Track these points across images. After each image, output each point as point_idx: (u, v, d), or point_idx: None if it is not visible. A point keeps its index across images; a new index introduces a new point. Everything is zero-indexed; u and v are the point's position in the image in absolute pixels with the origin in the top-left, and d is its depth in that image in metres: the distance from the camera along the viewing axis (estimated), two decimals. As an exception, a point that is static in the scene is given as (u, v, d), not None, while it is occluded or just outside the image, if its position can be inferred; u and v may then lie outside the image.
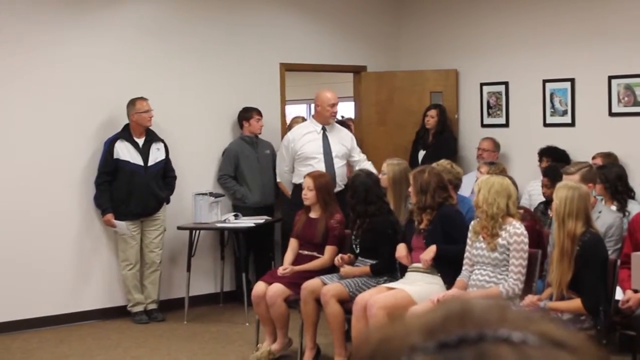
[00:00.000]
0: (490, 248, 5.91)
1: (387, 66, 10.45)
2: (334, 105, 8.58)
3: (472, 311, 0.82)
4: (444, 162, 7.19)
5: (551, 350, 0.78)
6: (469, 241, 6.14)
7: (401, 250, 6.50)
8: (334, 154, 8.50)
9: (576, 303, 5.47)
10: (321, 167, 8.28)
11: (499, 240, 5.88)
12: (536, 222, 6.67)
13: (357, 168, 8.26)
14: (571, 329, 0.82)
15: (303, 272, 6.97)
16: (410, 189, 6.49)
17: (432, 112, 9.61)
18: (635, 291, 5.49)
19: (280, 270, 7.07)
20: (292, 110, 13.59)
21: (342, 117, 13.25)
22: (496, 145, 9.33)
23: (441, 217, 6.35)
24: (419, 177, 6.41)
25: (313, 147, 8.49)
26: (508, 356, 0.76)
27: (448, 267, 6.26)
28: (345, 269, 6.77)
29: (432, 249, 6.29)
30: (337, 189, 8.26)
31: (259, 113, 9.21)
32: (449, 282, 6.21)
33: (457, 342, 0.78)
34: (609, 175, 7.25)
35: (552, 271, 5.56)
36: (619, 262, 5.88)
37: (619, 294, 5.88)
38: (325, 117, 8.59)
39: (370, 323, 6.01)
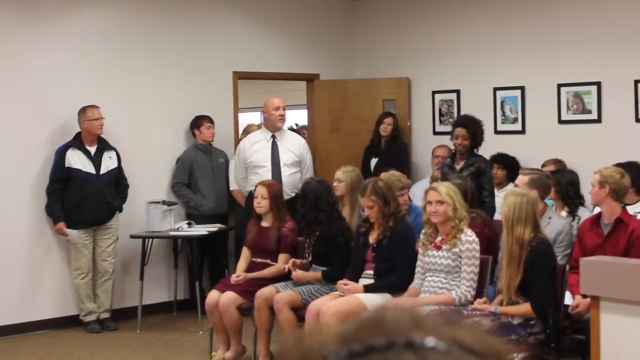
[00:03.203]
0: (448, 250, 5.96)
1: (340, 74, 10.49)
2: (278, 108, 8.52)
3: (383, 319, 0.83)
4: (396, 173, 7.25)
5: (459, 356, 0.79)
6: (420, 250, 6.19)
7: (344, 286, 6.50)
8: (282, 162, 8.47)
9: (526, 307, 5.53)
10: (268, 175, 8.26)
11: (456, 242, 5.96)
12: (486, 225, 6.73)
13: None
14: (489, 336, 0.83)
15: (256, 280, 6.98)
16: (366, 202, 6.42)
17: (389, 120, 9.66)
18: (585, 296, 5.56)
19: (234, 278, 7.07)
20: (247, 118, 13.58)
21: (297, 124, 13.27)
22: (450, 153, 9.41)
23: (395, 236, 6.36)
24: (378, 188, 6.37)
25: (261, 155, 8.47)
26: None
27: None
28: (298, 274, 6.78)
29: (359, 288, 6.33)
30: (286, 197, 8.27)
31: (210, 120, 9.21)
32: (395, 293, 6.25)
33: (365, 350, 0.80)
34: (561, 180, 7.34)
35: (502, 277, 5.63)
36: (567, 267, 5.96)
37: (568, 299, 5.95)
38: (272, 122, 8.56)
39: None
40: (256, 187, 7.35)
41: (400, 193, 6.82)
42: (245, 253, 7.32)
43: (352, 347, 0.80)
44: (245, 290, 6.93)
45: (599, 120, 8.57)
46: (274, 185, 7.39)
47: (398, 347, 0.79)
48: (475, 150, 7.85)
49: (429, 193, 6.10)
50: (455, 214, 5.96)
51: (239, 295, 6.94)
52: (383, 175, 7.13)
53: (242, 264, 7.28)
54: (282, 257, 7.09)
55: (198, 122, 9.21)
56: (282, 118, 8.58)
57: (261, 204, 7.16)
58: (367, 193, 6.36)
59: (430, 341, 0.80)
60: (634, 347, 4.85)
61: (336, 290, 6.51)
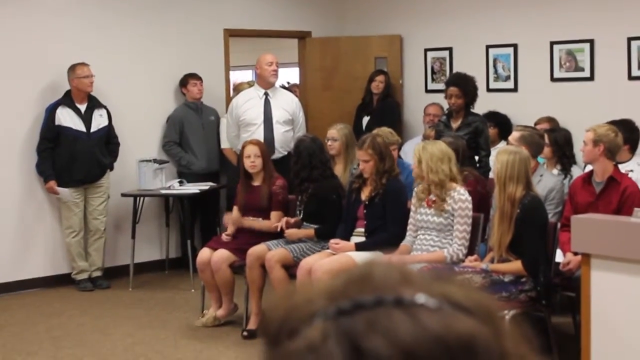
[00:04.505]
0: (437, 213, 5.97)
1: (332, 32, 10.43)
2: (271, 63, 8.48)
3: (372, 275, 0.81)
4: (385, 129, 7.23)
5: (450, 313, 0.78)
6: (412, 207, 6.19)
7: (335, 245, 6.49)
8: (274, 120, 8.43)
9: (517, 265, 5.55)
10: (260, 132, 8.26)
11: (445, 206, 5.95)
12: (479, 183, 6.73)
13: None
14: (479, 292, 0.82)
15: (248, 238, 6.98)
16: (362, 155, 6.37)
17: (381, 77, 9.62)
18: (575, 254, 5.58)
19: (224, 237, 7.08)
20: (238, 76, 13.52)
21: (288, 83, 13.22)
22: (442, 111, 9.38)
23: (388, 193, 6.35)
24: (376, 144, 6.36)
25: (253, 113, 8.43)
26: (400, 322, 0.76)
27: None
28: (290, 231, 6.78)
29: (350, 247, 6.35)
30: (278, 155, 8.25)
31: (196, 78, 9.16)
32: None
33: (353, 307, 0.78)
34: (559, 139, 7.34)
35: (494, 234, 5.64)
36: (559, 224, 5.97)
37: (559, 257, 5.97)
38: (266, 78, 8.51)
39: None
40: (245, 147, 7.27)
41: None
42: (235, 213, 7.30)
43: (340, 304, 0.78)
44: (237, 248, 6.94)
45: (591, 78, 8.54)
46: (263, 144, 7.37)
47: (387, 304, 0.78)
48: (470, 108, 7.81)
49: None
50: (428, 177, 5.94)
51: (231, 253, 6.94)
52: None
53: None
54: (274, 214, 7.08)
55: (185, 80, 9.17)
56: (275, 73, 8.55)
57: (255, 162, 7.11)
58: (365, 147, 6.35)
59: (420, 298, 0.78)
60: (624, 304, 4.88)
61: (328, 248, 6.52)
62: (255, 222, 7.08)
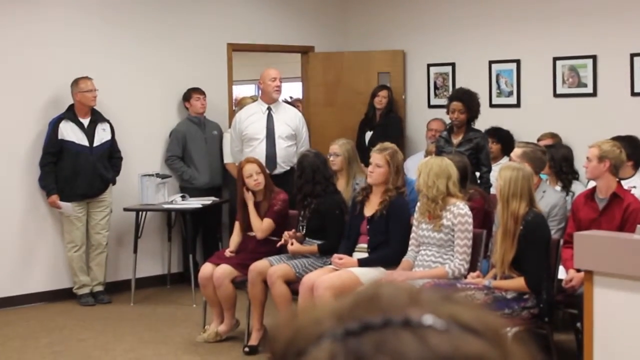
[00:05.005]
0: (434, 229, 5.96)
1: (335, 47, 10.44)
2: (275, 79, 8.49)
3: (380, 295, 0.81)
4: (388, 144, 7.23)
5: (458, 334, 0.77)
6: (414, 222, 6.18)
7: (338, 260, 6.47)
8: (277, 135, 8.43)
9: (520, 282, 5.53)
10: (262, 147, 8.27)
11: (444, 221, 5.93)
12: (485, 201, 6.72)
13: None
14: (486, 313, 0.82)
15: (250, 254, 6.97)
16: (379, 159, 6.34)
17: (384, 93, 9.64)
18: (578, 270, 5.56)
19: (227, 252, 7.08)
20: (240, 91, 13.53)
21: (291, 97, 13.24)
22: (445, 126, 9.39)
23: (392, 209, 6.34)
24: (395, 156, 6.37)
25: (256, 127, 8.43)
26: (408, 343, 0.76)
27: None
28: (293, 247, 6.76)
29: (353, 262, 6.32)
30: (281, 170, 8.25)
31: (199, 92, 9.17)
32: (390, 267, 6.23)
33: (361, 328, 0.77)
34: (556, 155, 7.33)
35: (496, 251, 5.62)
36: (561, 241, 5.95)
37: (562, 274, 5.96)
38: (269, 93, 8.51)
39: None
40: (243, 166, 7.18)
41: None
42: (237, 228, 7.29)
43: (348, 325, 0.78)
44: (239, 263, 6.93)
45: (594, 94, 8.55)
46: (259, 160, 7.36)
47: (395, 325, 0.77)
48: (472, 124, 7.81)
49: None
50: (423, 191, 5.94)
51: (233, 269, 6.93)
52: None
53: (235, 238, 7.26)
54: (265, 220, 7.05)
55: (188, 94, 9.18)
56: (279, 89, 8.56)
57: (258, 179, 7.07)
58: (385, 153, 6.35)
59: (428, 319, 0.78)
60: (627, 321, 4.86)
61: (330, 264, 6.50)
62: (253, 212, 7.05)
